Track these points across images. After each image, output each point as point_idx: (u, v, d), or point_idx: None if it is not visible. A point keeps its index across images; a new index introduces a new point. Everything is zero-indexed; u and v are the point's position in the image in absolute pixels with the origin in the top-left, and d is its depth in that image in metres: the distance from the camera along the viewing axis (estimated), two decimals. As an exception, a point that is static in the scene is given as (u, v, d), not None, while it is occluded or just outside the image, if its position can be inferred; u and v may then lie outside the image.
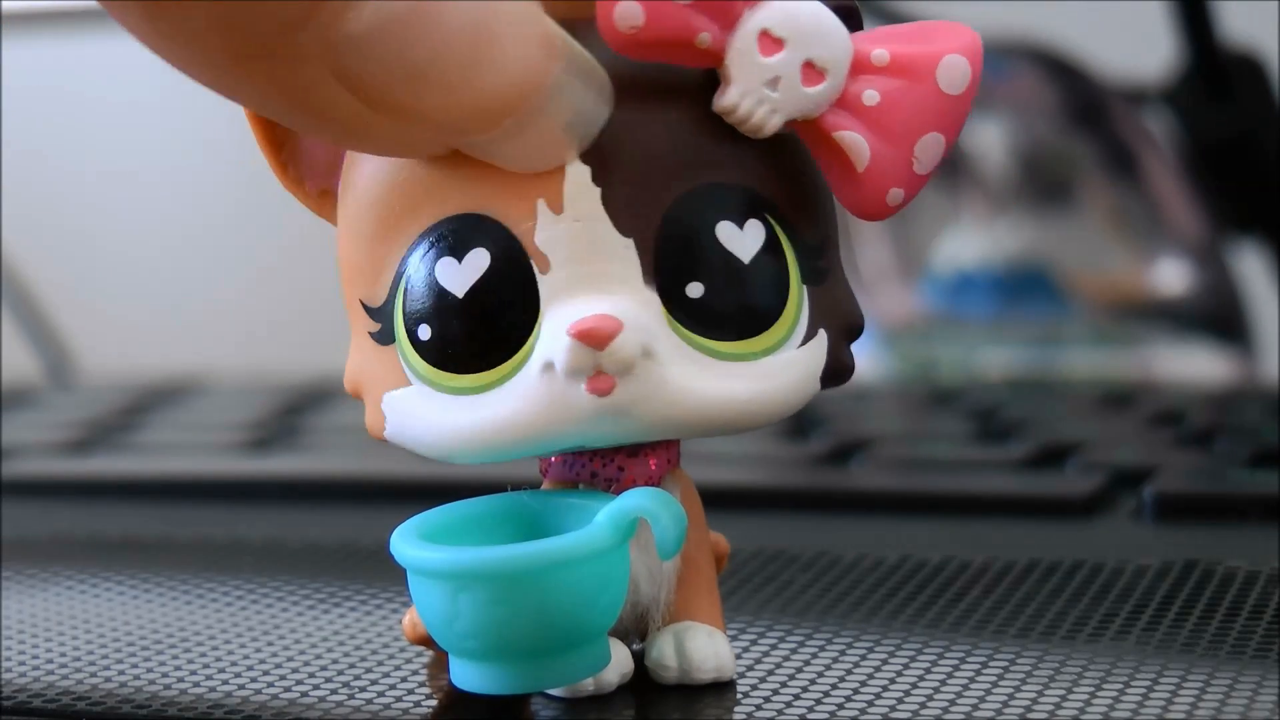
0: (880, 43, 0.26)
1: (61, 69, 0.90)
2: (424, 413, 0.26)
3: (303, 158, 0.27)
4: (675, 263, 0.26)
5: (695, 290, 0.26)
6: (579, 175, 0.26)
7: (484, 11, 0.24)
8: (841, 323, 0.27)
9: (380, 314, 0.26)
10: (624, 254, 0.26)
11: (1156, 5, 0.61)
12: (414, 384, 0.26)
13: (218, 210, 0.91)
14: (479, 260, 0.25)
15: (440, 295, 0.26)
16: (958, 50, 0.26)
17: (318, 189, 0.27)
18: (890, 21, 0.65)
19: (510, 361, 0.26)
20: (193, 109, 0.89)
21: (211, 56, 0.23)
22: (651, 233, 0.26)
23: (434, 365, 0.26)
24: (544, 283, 0.25)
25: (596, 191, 0.26)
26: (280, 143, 0.27)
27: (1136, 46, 0.63)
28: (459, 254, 0.26)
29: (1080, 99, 0.61)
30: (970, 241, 0.60)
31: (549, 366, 0.25)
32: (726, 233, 0.26)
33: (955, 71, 0.26)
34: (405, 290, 0.26)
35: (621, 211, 0.26)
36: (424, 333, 0.26)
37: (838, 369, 0.27)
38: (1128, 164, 0.61)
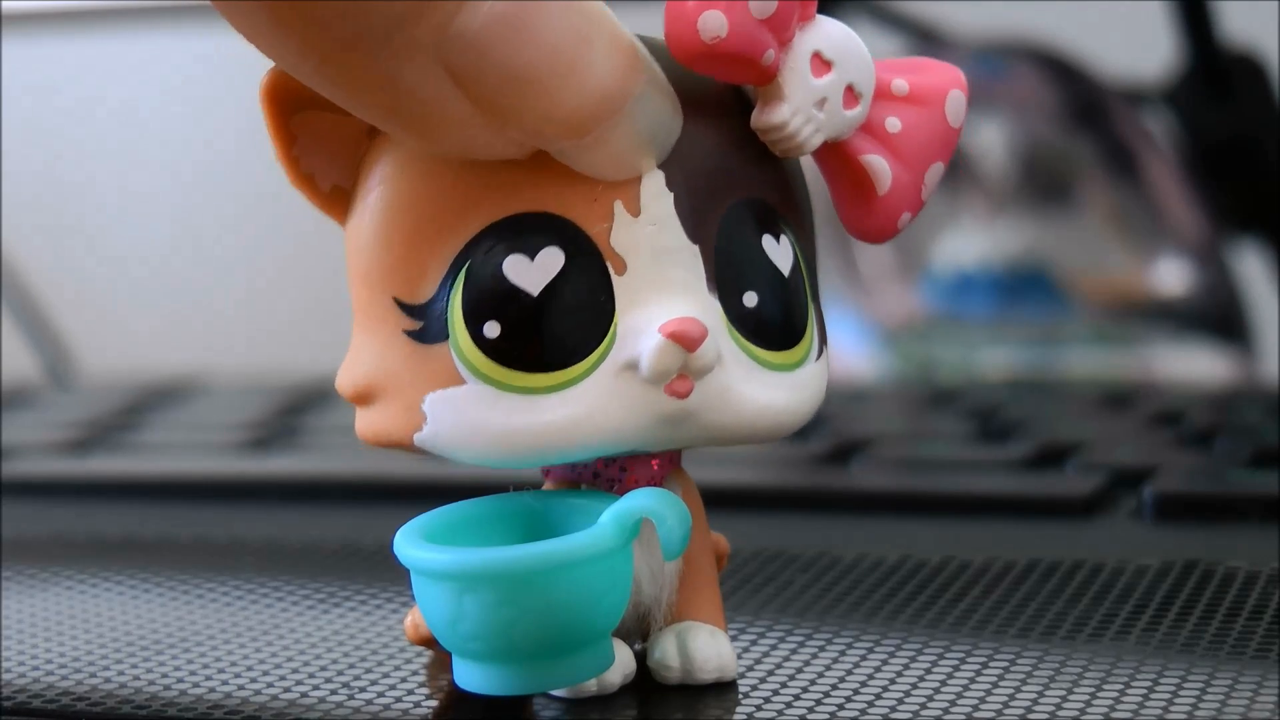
0: (893, 72, 0.27)
1: (62, 69, 0.90)
2: (479, 413, 0.25)
3: (315, 153, 0.26)
4: (733, 271, 0.26)
5: (751, 300, 0.26)
6: (654, 180, 0.26)
7: (585, 19, 0.24)
8: (825, 342, 0.27)
9: (424, 312, 0.26)
10: (691, 261, 0.26)
11: (1156, 5, 0.61)
12: (469, 383, 0.25)
13: (218, 210, 0.91)
14: (553, 258, 0.25)
15: (511, 292, 0.25)
16: (957, 86, 0.27)
17: (329, 185, 0.26)
18: (891, 22, 0.65)
19: (585, 362, 0.25)
20: (194, 110, 0.89)
21: (325, 45, 0.23)
22: (711, 241, 0.26)
23: (500, 364, 0.25)
24: (619, 284, 0.25)
25: (669, 197, 0.26)
26: (293, 136, 0.26)
27: (1136, 46, 0.63)
28: (530, 251, 0.25)
29: (1080, 99, 0.61)
30: (970, 241, 0.60)
31: (630, 366, 0.25)
32: (769, 245, 0.26)
33: (958, 105, 0.27)
34: (466, 286, 0.25)
35: (689, 218, 0.26)
36: (491, 330, 0.25)
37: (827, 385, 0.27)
38: (1128, 164, 0.61)
